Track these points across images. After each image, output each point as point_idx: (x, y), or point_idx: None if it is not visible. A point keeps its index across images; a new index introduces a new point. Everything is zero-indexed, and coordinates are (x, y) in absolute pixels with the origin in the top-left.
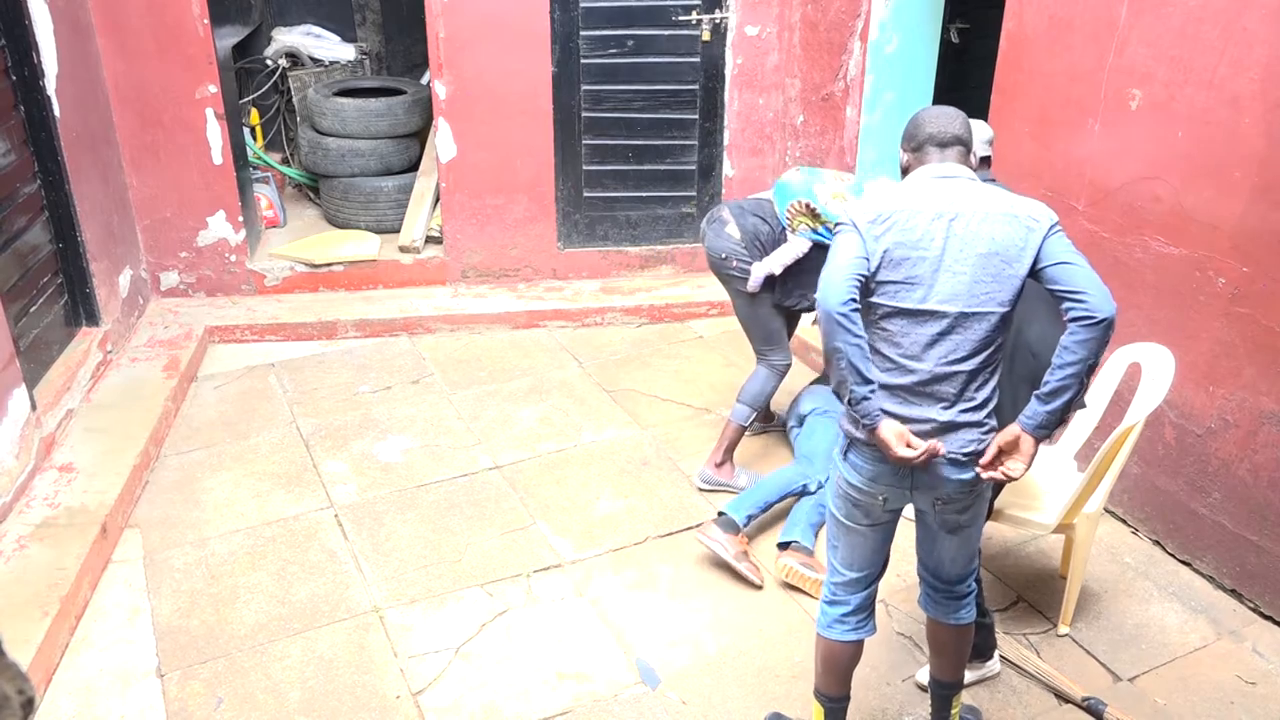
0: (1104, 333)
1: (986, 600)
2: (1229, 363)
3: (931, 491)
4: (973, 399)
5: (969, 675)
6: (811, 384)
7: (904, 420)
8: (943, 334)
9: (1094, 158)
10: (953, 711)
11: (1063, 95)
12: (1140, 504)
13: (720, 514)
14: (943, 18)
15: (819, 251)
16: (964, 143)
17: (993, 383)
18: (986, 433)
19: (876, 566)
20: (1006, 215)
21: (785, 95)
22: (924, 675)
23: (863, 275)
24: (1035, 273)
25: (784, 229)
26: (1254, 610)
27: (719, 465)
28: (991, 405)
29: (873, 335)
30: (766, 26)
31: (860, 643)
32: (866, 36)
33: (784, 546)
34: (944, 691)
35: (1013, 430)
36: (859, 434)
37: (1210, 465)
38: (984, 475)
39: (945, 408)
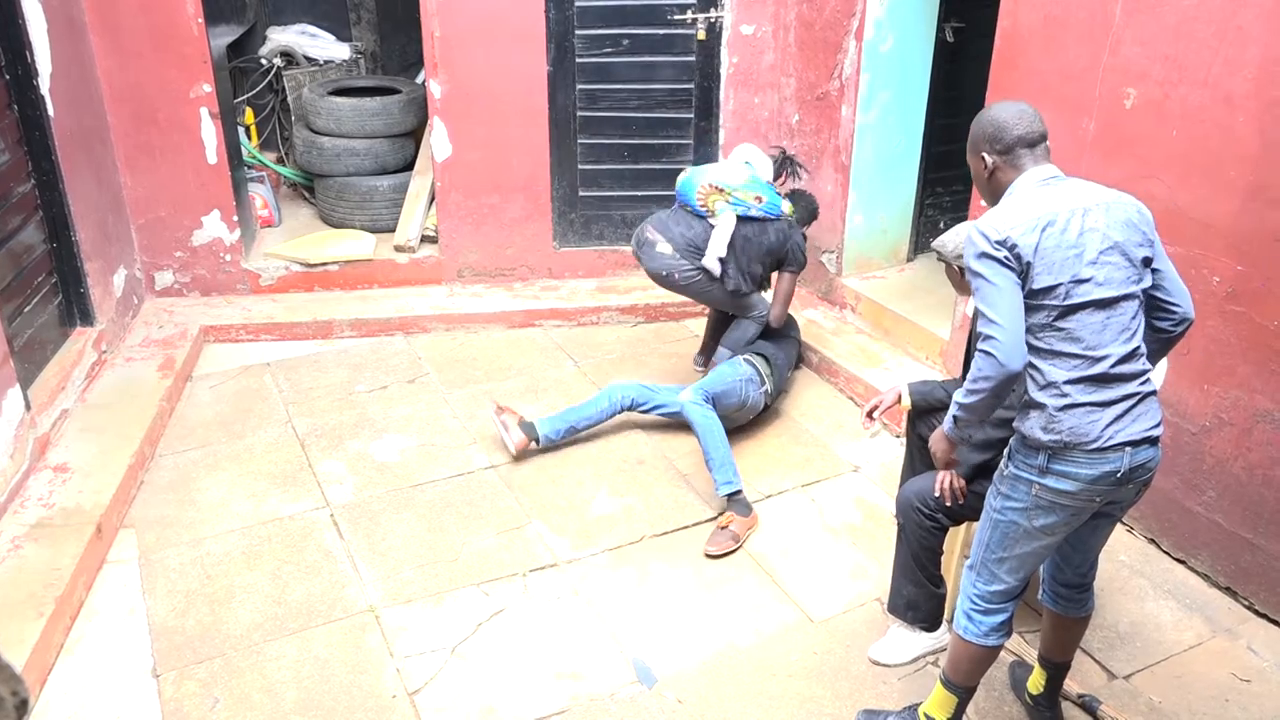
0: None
1: None
2: (1224, 361)
3: (1141, 479)
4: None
5: (920, 648)
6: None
7: (1102, 405)
8: (1111, 318)
9: (1089, 156)
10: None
11: (1057, 94)
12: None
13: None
14: (938, 16)
15: (746, 223)
16: (1046, 137)
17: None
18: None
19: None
20: (1125, 203)
21: (781, 94)
22: (876, 652)
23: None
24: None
25: (705, 219)
26: (1249, 608)
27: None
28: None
29: (1050, 337)
30: (762, 26)
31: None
32: (862, 35)
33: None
34: (1061, 672)
35: None
36: (1059, 439)
37: (1205, 463)
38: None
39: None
